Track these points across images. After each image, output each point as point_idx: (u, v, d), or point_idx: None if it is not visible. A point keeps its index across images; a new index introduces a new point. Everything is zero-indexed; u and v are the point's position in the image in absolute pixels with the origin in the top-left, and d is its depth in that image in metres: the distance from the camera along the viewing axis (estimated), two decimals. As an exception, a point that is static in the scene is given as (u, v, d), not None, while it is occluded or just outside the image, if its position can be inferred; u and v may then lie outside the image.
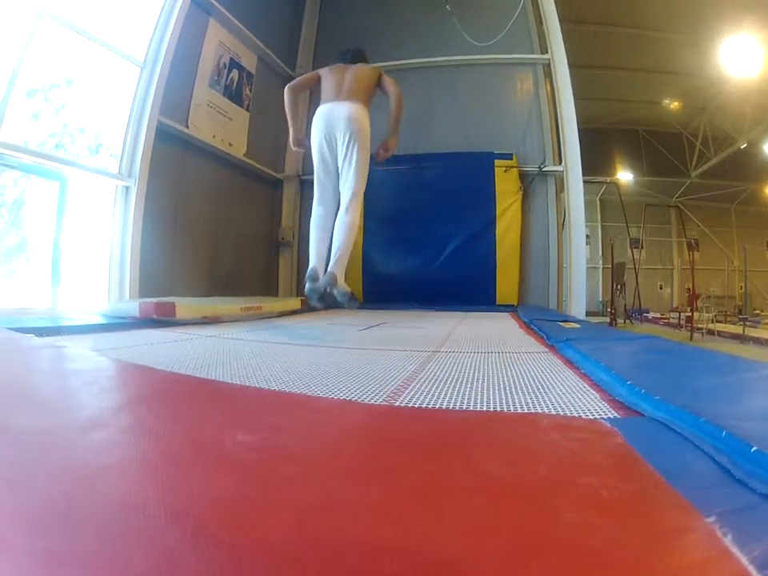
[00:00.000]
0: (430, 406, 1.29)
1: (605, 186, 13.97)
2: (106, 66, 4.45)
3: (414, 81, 6.34)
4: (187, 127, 5.03)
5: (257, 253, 6.49)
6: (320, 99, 3.29)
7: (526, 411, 1.27)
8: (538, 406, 1.34)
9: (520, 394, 1.49)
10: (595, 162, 10.18)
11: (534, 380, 1.73)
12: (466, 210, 5.81)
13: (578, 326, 3.35)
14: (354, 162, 3.10)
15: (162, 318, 3.34)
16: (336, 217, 3.19)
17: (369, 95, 3.29)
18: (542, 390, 1.56)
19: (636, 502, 0.57)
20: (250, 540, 0.41)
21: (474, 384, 1.64)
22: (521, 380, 1.73)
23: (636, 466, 0.71)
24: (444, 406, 1.30)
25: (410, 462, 0.64)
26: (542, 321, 3.69)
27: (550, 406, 1.35)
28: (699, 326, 7.67)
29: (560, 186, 5.98)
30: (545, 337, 2.81)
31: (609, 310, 7.42)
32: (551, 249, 5.95)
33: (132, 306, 3.49)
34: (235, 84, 5.77)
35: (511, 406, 1.33)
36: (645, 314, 10.85)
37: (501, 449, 0.74)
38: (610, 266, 9.61)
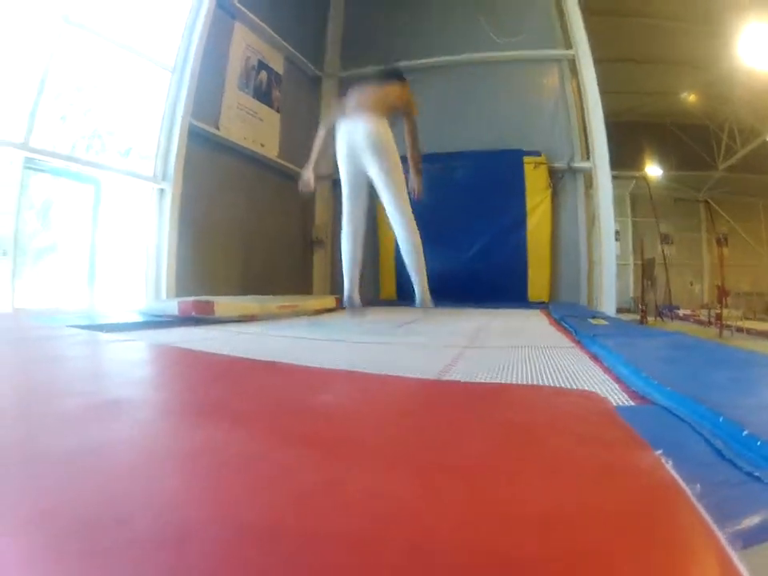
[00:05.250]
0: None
1: (634, 181, 13.80)
2: (133, 69, 4.55)
3: (441, 79, 6.38)
4: (218, 129, 5.11)
5: (291, 252, 6.57)
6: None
7: None
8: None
9: (545, 383, 1.59)
10: (624, 157, 10.03)
11: (559, 372, 1.82)
12: (496, 208, 5.84)
13: (605, 322, 3.37)
14: (389, 186, 3.00)
15: (200, 317, 3.40)
16: (363, 232, 3.14)
17: (388, 110, 3.12)
18: (566, 381, 1.65)
19: (608, 454, 0.63)
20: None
21: (502, 375, 1.71)
22: (547, 372, 1.81)
23: (615, 424, 0.78)
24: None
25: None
26: (572, 317, 3.71)
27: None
28: (729, 323, 7.53)
29: (589, 182, 5.94)
30: (573, 332, 2.85)
31: (639, 306, 7.32)
32: (581, 245, 5.93)
33: (171, 305, 3.56)
34: (264, 85, 5.84)
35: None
36: (675, 311, 10.68)
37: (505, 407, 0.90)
38: (641, 261, 9.50)
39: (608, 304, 5.49)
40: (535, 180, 5.83)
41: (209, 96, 4.97)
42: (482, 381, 1.55)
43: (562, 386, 1.53)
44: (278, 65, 6.10)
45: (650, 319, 8.38)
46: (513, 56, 6.19)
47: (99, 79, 4.41)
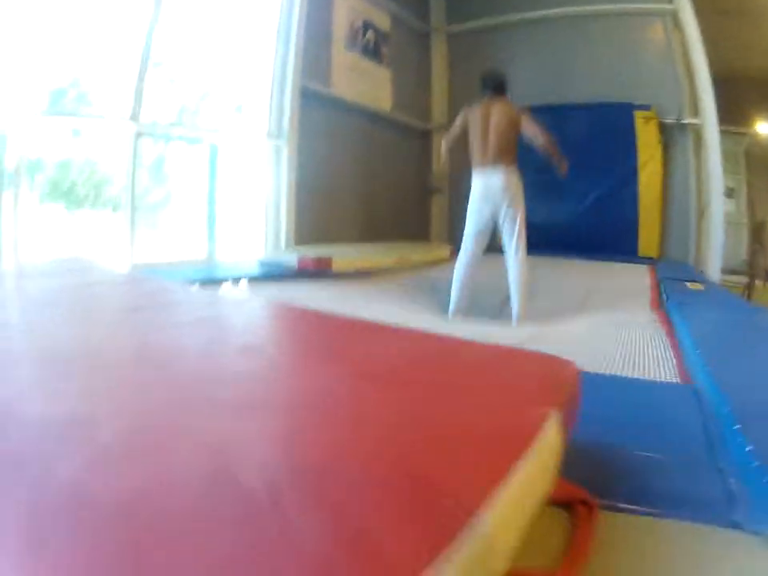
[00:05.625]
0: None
1: (748, 138, 12.60)
2: (240, 27, 4.72)
3: (547, 32, 6.31)
4: (330, 87, 5.36)
5: (408, 200, 6.81)
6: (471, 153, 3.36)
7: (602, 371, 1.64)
8: (610, 363, 1.69)
9: (604, 350, 1.89)
10: (736, 113, 9.25)
11: (629, 340, 2.02)
12: (606, 161, 5.79)
13: (702, 287, 3.40)
14: (517, 231, 3.24)
15: (318, 271, 3.69)
16: (478, 264, 3.33)
17: (514, 148, 3.33)
18: (628, 347, 1.90)
19: (510, 406, 0.77)
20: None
21: (575, 343, 1.98)
22: (619, 338, 2.04)
23: (546, 387, 0.85)
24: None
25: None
26: (671, 279, 3.72)
27: (621, 363, 1.71)
28: None
29: (697, 139, 5.69)
30: (665, 297, 2.91)
31: (749, 270, 6.90)
32: (691, 204, 5.76)
33: (290, 258, 3.80)
34: (372, 44, 6.00)
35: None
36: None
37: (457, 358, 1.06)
38: (751, 223, 8.84)
39: (713, 265, 5.34)
40: (646, 134, 5.68)
41: (317, 57, 5.17)
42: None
43: (621, 352, 1.79)
44: (384, 23, 6.21)
45: (758, 283, 7.89)
46: (614, 9, 6.00)
47: (205, 42, 4.56)
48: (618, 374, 1.64)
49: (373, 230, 5.85)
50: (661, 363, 1.74)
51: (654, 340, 2.04)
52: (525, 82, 5.77)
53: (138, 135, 3.88)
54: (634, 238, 5.77)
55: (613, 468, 0.99)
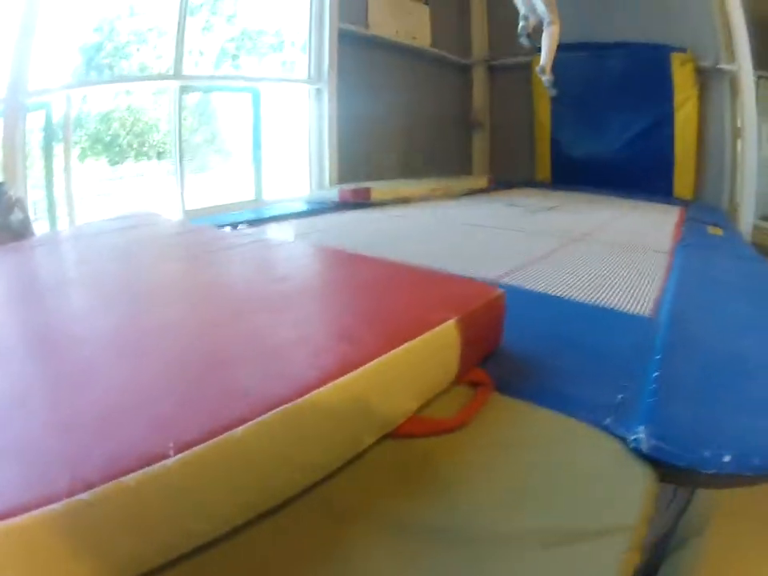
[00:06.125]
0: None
1: None
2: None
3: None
4: (367, 27, 5.40)
5: (450, 135, 6.89)
6: None
7: (582, 300, 1.87)
8: (593, 296, 1.91)
9: (597, 282, 2.08)
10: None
11: (626, 272, 2.24)
12: (643, 101, 5.82)
13: (720, 233, 3.52)
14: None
15: (359, 201, 3.93)
16: None
17: None
18: (622, 283, 2.09)
19: (422, 311, 1.17)
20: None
21: (571, 274, 2.17)
22: (617, 273, 2.24)
23: (463, 306, 1.20)
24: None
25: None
26: (697, 222, 3.85)
27: (604, 295, 1.92)
28: None
29: (734, 84, 5.61)
30: (681, 238, 3.07)
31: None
32: (726, 148, 5.75)
33: (332, 193, 4.07)
34: (410, -20, 5.97)
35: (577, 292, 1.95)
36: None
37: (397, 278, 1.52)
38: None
39: (746, 211, 5.40)
40: (683, 77, 5.65)
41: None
42: (548, 278, 2.06)
43: (608, 284, 2.02)
44: (423, -41, 6.15)
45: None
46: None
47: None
48: (596, 301, 1.84)
49: (415, 167, 5.95)
50: (641, 296, 1.92)
51: (649, 275, 2.21)
52: (563, 18, 5.73)
53: (183, 90, 4.05)
54: (670, 178, 5.84)
55: (530, 369, 1.25)
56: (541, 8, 4.44)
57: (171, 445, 0.63)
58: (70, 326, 1.18)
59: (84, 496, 0.57)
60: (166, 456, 0.62)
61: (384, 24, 5.59)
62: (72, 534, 0.56)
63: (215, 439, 0.66)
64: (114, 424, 0.71)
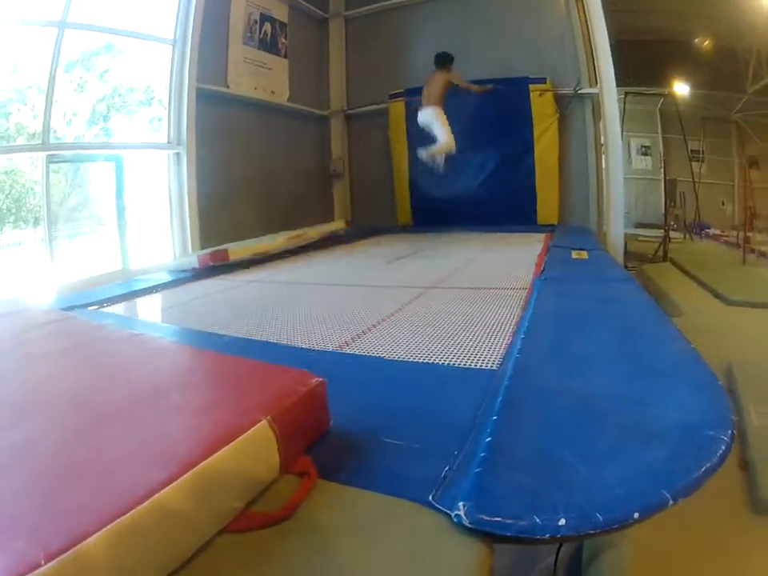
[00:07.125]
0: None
1: (662, 99, 13.06)
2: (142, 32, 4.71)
3: (448, 13, 6.44)
4: (227, 86, 5.36)
5: (311, 186, 6.97)
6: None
7: (425, 362, 1.72)
8: (438, 355, 1.76)
9: (445, 337, 1.95)
10: (650, 74, 9.58)
11: (480, 322, 2.12)
12: (504, 134, 6.02)
13: (586, 256, 3.53)
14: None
15: (219, 264, 3.82)
16: None
17: (442, 96, 5.09)
18: (471, 333, 1.97)
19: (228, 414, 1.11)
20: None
21: (416, 333, 2.03)
22: (469, 322, 2.12)
23: (271, 395, 1.17)
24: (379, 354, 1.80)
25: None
26: (560, 248, 3.89)
27: (451, 351, 1.78)
28: (755, 247, 7.32)
29: (598, 107, 5.92)
30: (542, 270, 3.04)
31: (664, 227, 7.27)
32: (590, 169, 6.02)
33: (192, 259, 4.00)
34: (269, 36, 6.00)
35: (430, 351, 1.80)
36: (706, 230, 10.41)
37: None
38: (664, 182, 9.29)
39: (615, 227, 5.63)
40: (542, 107, 5.89)
41: (213, 57, 5.19)
42: (403, 338, 1.94)
43: (455, 341, 1.88)
44: (281, 14, 6.20)
45: (677, 238, 8.30)
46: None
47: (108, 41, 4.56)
48: (442, 358, 1.71)
49: (279, 221, 5.87)
50: (490, 346, 1.80)
51: (501, 320, 2.10)
52: (423, 61, 5.89)
53: (50, 158, 4.04)
54: (533, 207, 6.04)
55: (359, 449, 1.17)
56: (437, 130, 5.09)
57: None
58: None
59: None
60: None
61: (243, 82, 5.56)
62: None
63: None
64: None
